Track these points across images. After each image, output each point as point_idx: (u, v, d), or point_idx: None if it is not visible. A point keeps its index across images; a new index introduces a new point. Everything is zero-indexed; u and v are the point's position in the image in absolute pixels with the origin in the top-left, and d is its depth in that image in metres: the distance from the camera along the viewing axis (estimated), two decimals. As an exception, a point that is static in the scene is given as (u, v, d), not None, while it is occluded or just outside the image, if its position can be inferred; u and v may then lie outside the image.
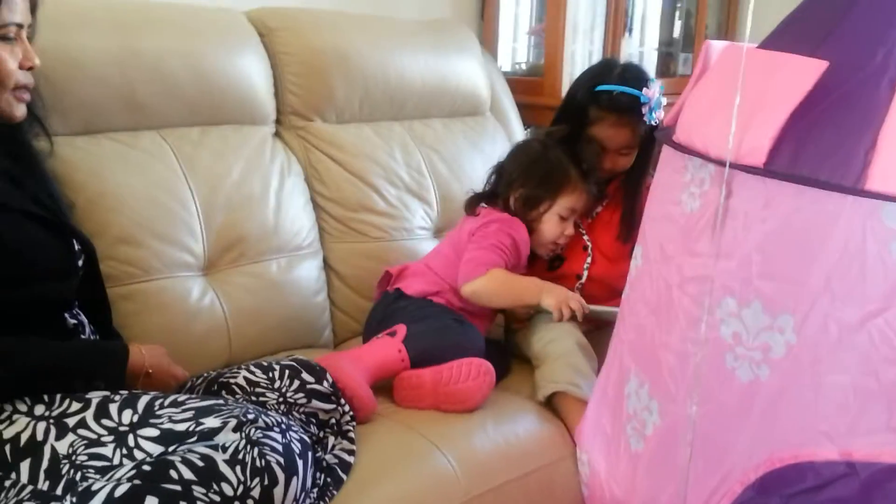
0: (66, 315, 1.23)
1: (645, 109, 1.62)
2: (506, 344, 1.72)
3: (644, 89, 1.62)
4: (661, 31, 2.79)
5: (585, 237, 1.74)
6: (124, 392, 1.10)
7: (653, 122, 1.62)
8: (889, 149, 0.90)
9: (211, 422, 1.03)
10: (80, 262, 1.27)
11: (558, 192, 1.64)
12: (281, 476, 1.01)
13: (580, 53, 2.44)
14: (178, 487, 0.95)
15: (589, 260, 1.73)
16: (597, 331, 1.63)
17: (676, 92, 2.64)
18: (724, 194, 1.04)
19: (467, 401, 1.38)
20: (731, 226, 1.04)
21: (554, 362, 1.51)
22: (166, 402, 1.08)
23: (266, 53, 1.77)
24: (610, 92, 1.66)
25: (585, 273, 1.71)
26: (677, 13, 2.84)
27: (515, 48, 2.72)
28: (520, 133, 2.23)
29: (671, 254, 1.16)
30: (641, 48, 2.73)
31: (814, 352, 0.97)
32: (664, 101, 1.63)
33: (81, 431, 1.05)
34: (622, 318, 1.30)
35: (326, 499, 1.13)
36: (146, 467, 0.97)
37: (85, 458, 1.02)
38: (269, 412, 1.11)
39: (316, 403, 1.23)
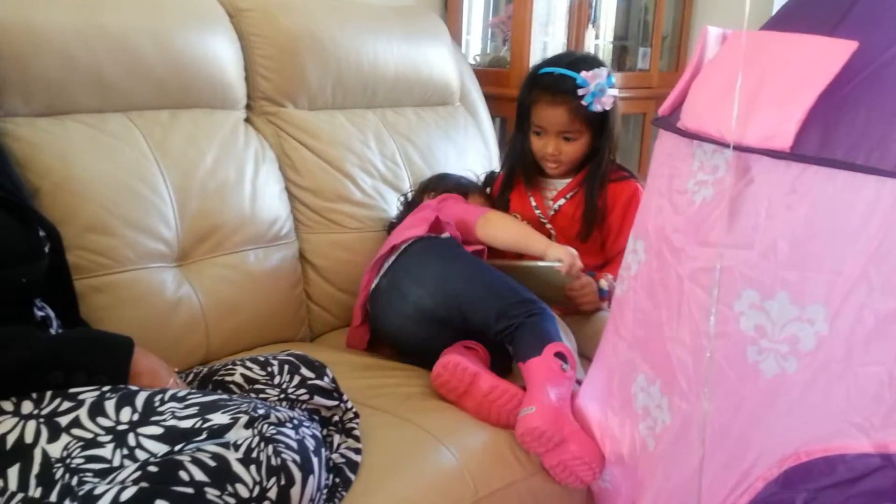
0: (34, 308, 1.14)
1: (582, 92, 1.62)
2: None
3: (583, 72, 1.63)
4: (617, 25, 2.81)
5: (548, 226, 1.75)
6: (119, 388, 1.01)
7: (593, 108, 1.63)
8: (930, 130, 0.87)
9: (219, 418, 0.96)
10: (46, 250, 1.17)
11: (466, 197, 1.77)
12: (297, 475, 0.94)
13: (544, 45, 2.43)
14: (189, 490, 0.88)
15: None
16: (569, 316, 1.63)
17: (633, 86, 2.66)
18: (728, 179, 1.01)
19: (499, 422, 1.31)
20: (752, 213, 1.00)
21: None
22: (166, 397, 1.00)
23: (236, 35, 1.69)
24: (550, 73, 1.68)
25: None
26: (632, 8, 2.86)
27: (468, 40, 2.70)
28: (489, 123, 2.20)
29: (679, 245, 1.11)
30: (597, 41, 2.74)
31: (847, 343, 0.93)
32: (613, 91, 1.65)
33: (76, 431, 0.95)
34: (625, 315, 1.25)
35: (336, 500, 1.07)
36: (152, 468, 0.89)
37: (81, 460, 0.93)
38: (278, 407, 1.04)
39: (318, 400, 1.16)
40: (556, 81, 1.66)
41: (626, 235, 1.75)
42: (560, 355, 1.33)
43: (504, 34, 2.56)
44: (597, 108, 1.63)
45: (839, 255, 0.92)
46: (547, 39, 2.49)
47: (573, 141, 1.69)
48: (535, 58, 2.31)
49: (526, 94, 1.72)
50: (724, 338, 1.03)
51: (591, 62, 1.69)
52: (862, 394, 0.93)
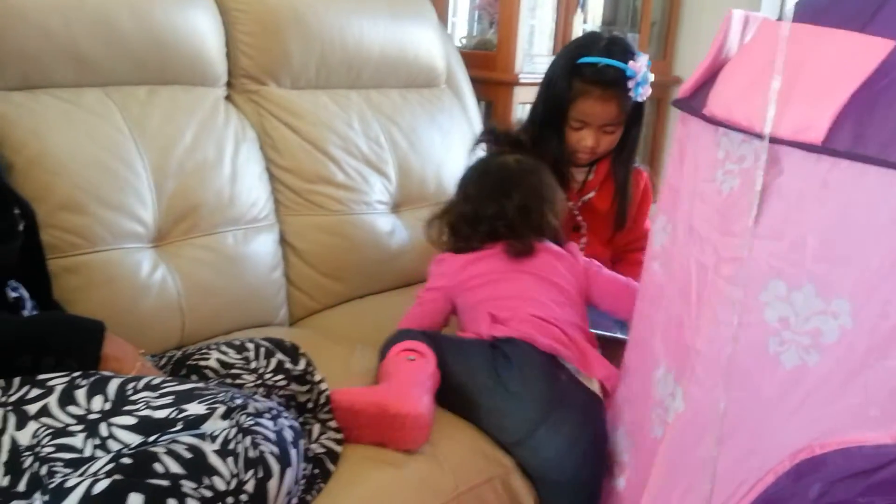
0: (7, 289, 1.10)
1: (631, 84, 1.56)
2: None
3: (630, 62, 1.56)
4: (605, 10, 2.78)
5: (579, 217, 1.70)
6: (90, 375, 0.98)
7: (638, 99, 1.58)
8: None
9: (195, 408, 0.93)
10: (20, 229, 1.14)
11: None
12: (276, 468, 0.92)
13: (531, 28, 2.40)
14: (164, 482, 0.85)
15: (584, 241, 1.67)
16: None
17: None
18: (760, 170, 0.98)
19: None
20: (782, 205, 0.99)
21: None
22: (140, 386, 0.97)
23: (218, 10, 1.65)
24: (594, 64, 1.59)
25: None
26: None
27: (454, 22, 2.66)
28: (474, 107, 2.16)
29: (705, 234, 1.09)
30: (585, 25, 2.72)
31: (870, 337, 0.93)
32: (651, 77, 1.59)
33: (45, 420, 0.92)
34: (652, 297, 1.23)
35: (314, 491, 1.05)
36: (126, 460, 0.86)
37: (51, 449, 0.90)
38: (256, 396, 1.01)
39: (294, 386, 1.14)
40: (603, 73, 1.57)
41: (638, 226, 1.74)
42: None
43: (491, 17, 2.53)
44: (641, 98, 1.57)
45: (867, 251, 0.92)
46: (534, 23, 2.46)
47: (611, 133, 1.64)
48: (522, 41, 2.29)
49: (567, 88, 1.60)
50: (745, 328, 1.02)
51: (621, 45, 1.62)
52: (881, 387, 0.93)
